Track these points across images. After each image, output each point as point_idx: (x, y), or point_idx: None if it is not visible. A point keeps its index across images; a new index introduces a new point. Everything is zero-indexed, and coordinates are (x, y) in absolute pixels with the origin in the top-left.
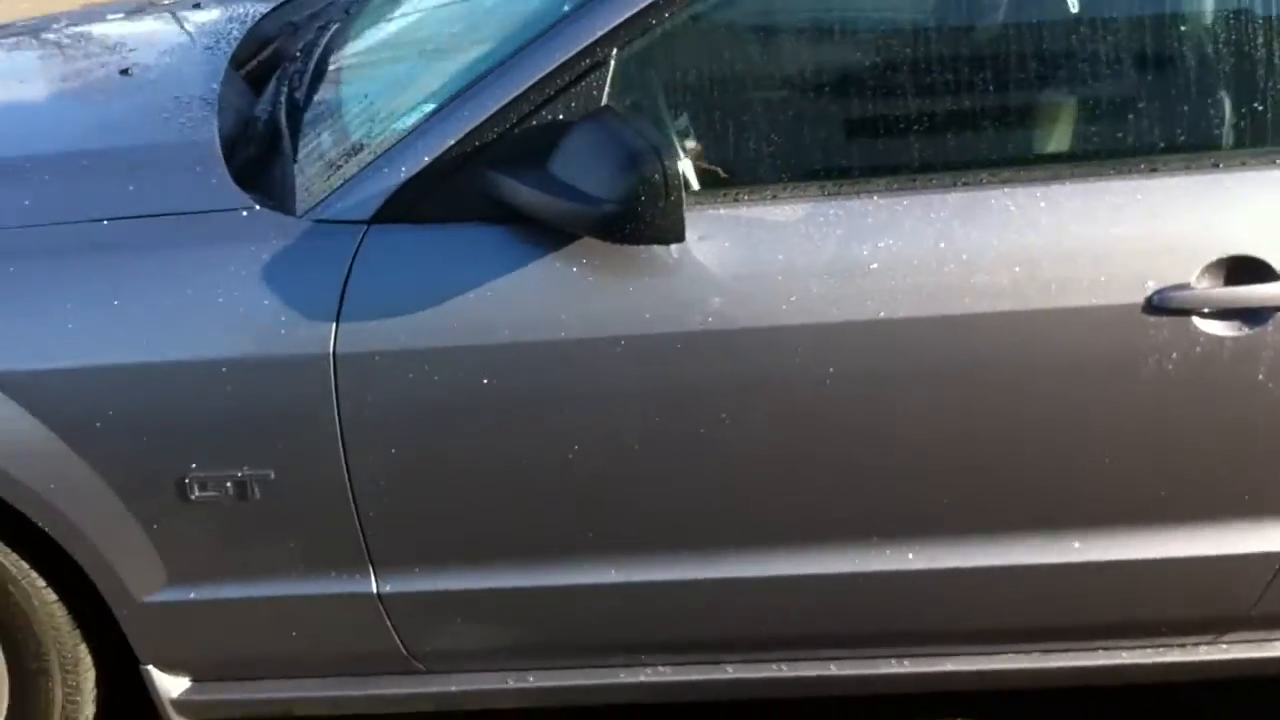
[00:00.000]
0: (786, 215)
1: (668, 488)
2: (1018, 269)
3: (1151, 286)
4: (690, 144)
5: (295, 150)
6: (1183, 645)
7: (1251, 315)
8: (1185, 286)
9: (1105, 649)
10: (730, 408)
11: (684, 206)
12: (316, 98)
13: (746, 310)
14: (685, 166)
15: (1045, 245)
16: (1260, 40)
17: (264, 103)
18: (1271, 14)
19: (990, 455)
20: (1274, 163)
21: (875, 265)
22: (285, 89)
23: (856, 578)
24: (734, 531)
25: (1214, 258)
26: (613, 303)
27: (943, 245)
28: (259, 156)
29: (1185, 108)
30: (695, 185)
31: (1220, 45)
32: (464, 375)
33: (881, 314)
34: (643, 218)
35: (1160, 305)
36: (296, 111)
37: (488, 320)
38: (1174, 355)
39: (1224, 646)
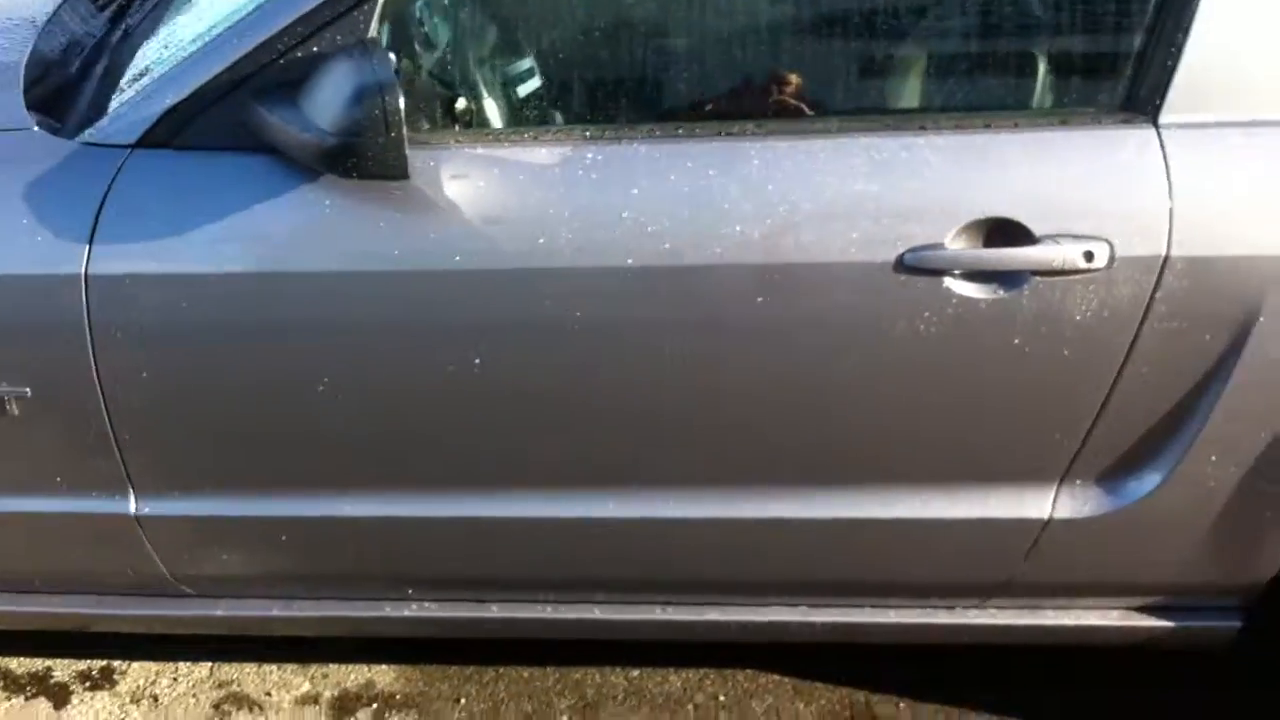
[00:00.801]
0: (545, 158)
1: (415, 424)
2: (770, 222)
3: (903, 246)
4: (451, 81)
5: (92, 77)
6: (950, 608)
7: (1007, 278)
8: (938, 246)
9: (873, 606)
10: (480, 349)
11: (406, 144)
12: (137, 27)
13: (496, 251)
14: (443, 104)
15: (801, 200)
16: (1033, 5)
17: (90, 31)
18: None
19: (742, 409)
20: (1041, 126)
21: (627, 213)
22: (118, 20)
23: (613, 523)
24: (487, 471)
25: (971, 219)
26: (362, 237)
27: (699, 196)
28: (66, 82)
29: (956, 67)
30: (456, 124)
31: (993, 7)
32: (212, 303)
33: (629, 261)
34: (363, 153)
35: (913, 265)
36: (111, 41)
37: (239, 249)
38: (926, 315)
39: (992, 611)
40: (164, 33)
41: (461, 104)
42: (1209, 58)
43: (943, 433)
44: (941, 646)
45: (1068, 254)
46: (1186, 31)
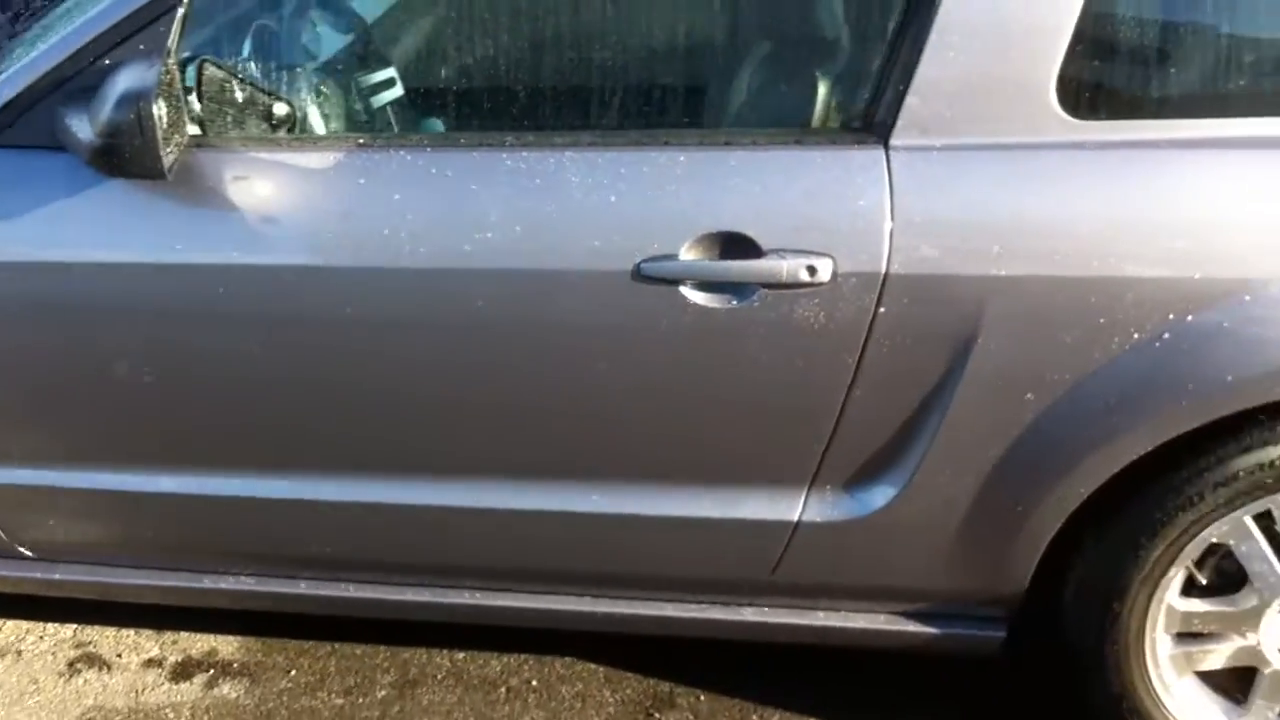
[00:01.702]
0: (320, 163)
1: (199, 408)
2: (518, 229)
3: (640, 255)
4: (242, 89)
5: None
6: (725, 604)
7: (737, 289)
8: (673, 257)
9: (649, 599)
10: (255, 338)
11: (161, 147)
12: (27, 29)
13: (270, 248)
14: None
15: (549, 209)
16: (771, 29)
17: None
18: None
19: (500, 406)
20: (777, 144)
21: (389, 217)
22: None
23: (395, 508)
24: (267, 455)
25: (704, 232)
26: (149, 230)
27: (455, 202)
28: None
29: (703, 86)
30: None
31: (735, 29)
32: (26, 288)
33: (388, 263)
34: (122, 153)
35: (650, 274)
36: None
37: (46, 239)
38: (665, 323)
39: (764, 610)
40: (33, 35)
41: (262, 110)
42: (940, 83)
43: (694, 435)
44: (746, 643)
45: (792, 268)
46: (919, 56)
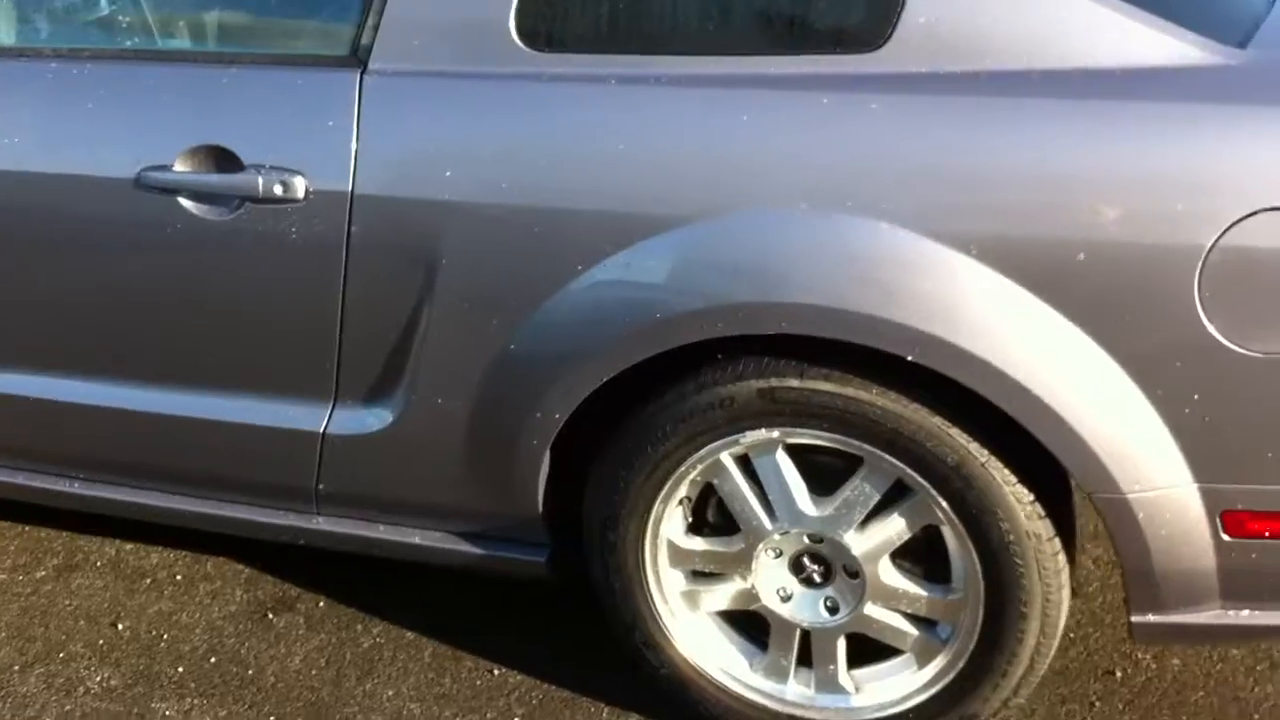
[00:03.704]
0: None
1: None
2: (44, 135)
3: (141, 164)
4: None
5: None
6: (299, 511)
7: (224, 201)
8: (167, 168)
9: (216, 500)
10: None
11: None
12: None
13: None
14: None
15: (71, 117)
16: None
17: None
18: None
19: (50, 301)
20: (269, 65)
21: None
22: None
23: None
24: None
25: (195, 144)
26: None
27: None
28: None
29: (206, 8)
30: None
31: None
32: None
33: None
34: None
35: (148, 183)
36: None
37: None
38: (168, 232)
39: (334, 519)
40: None
41: None
42: (411, 12)
43: (216, 343)
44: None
45: (268, 183)
46: None
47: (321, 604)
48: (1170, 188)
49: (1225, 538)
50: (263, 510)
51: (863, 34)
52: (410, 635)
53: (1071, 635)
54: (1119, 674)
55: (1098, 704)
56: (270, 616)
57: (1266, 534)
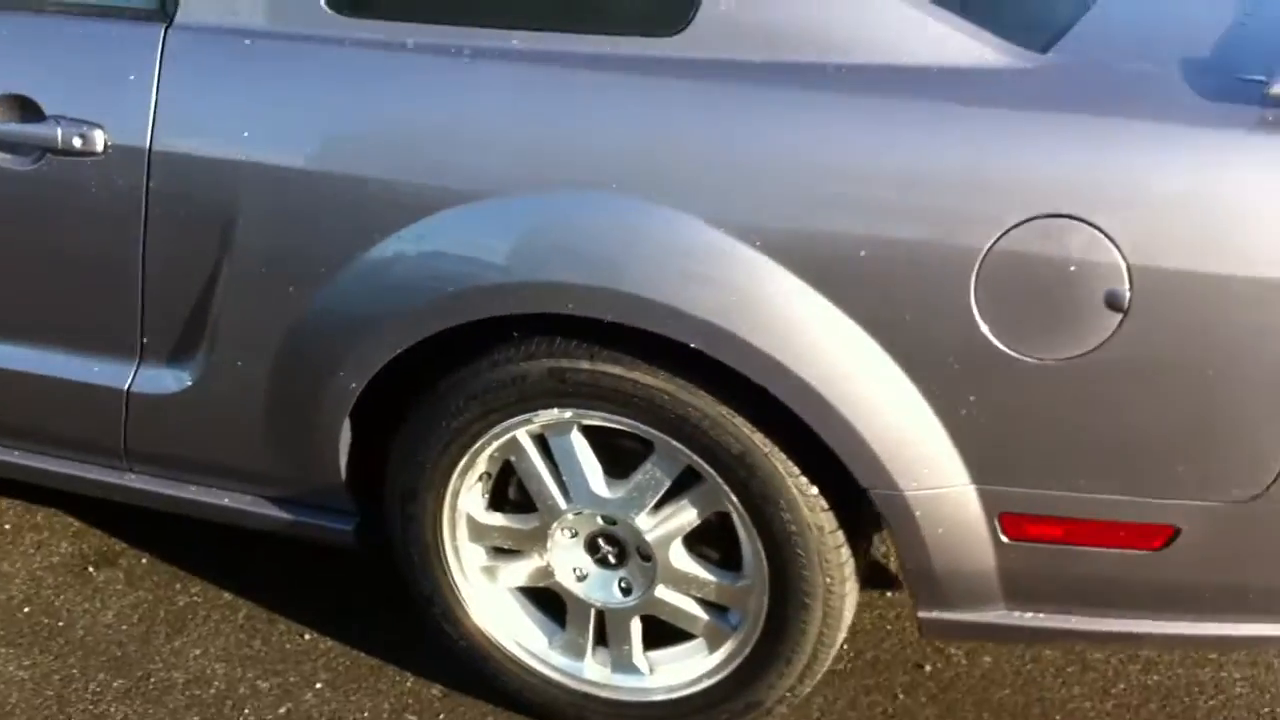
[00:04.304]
0: None
1: None
2: None
3: None
4: None
5: None
6: (113, 468)
7: (26, 151)
8: None
9: (34, 452)
10: None
11: None
12: None
13: None
14: None
15: None
16: None
17: None
18: None
19: None
20: (78, 15)
21: None
22: None
23: None
24: None
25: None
26: None
27: None
28: None
29: None
30: None
31: None
32: None
33: None
34: None
35: None
36: None
37: None
38: None
39: (146, 478)
40: None
41: None
42: None
43: (27, 294)
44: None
45: (67, 134)
46: None
47: (144, 560)
48: (951, 189)
49: (1005, 540)
50: (79, 465)
51: (664, 17)
52: (228, 596)
53: (889, 627)
54: (928, 668)
55: (902, 696)
56: (91, 570)
57: (1044, 538)
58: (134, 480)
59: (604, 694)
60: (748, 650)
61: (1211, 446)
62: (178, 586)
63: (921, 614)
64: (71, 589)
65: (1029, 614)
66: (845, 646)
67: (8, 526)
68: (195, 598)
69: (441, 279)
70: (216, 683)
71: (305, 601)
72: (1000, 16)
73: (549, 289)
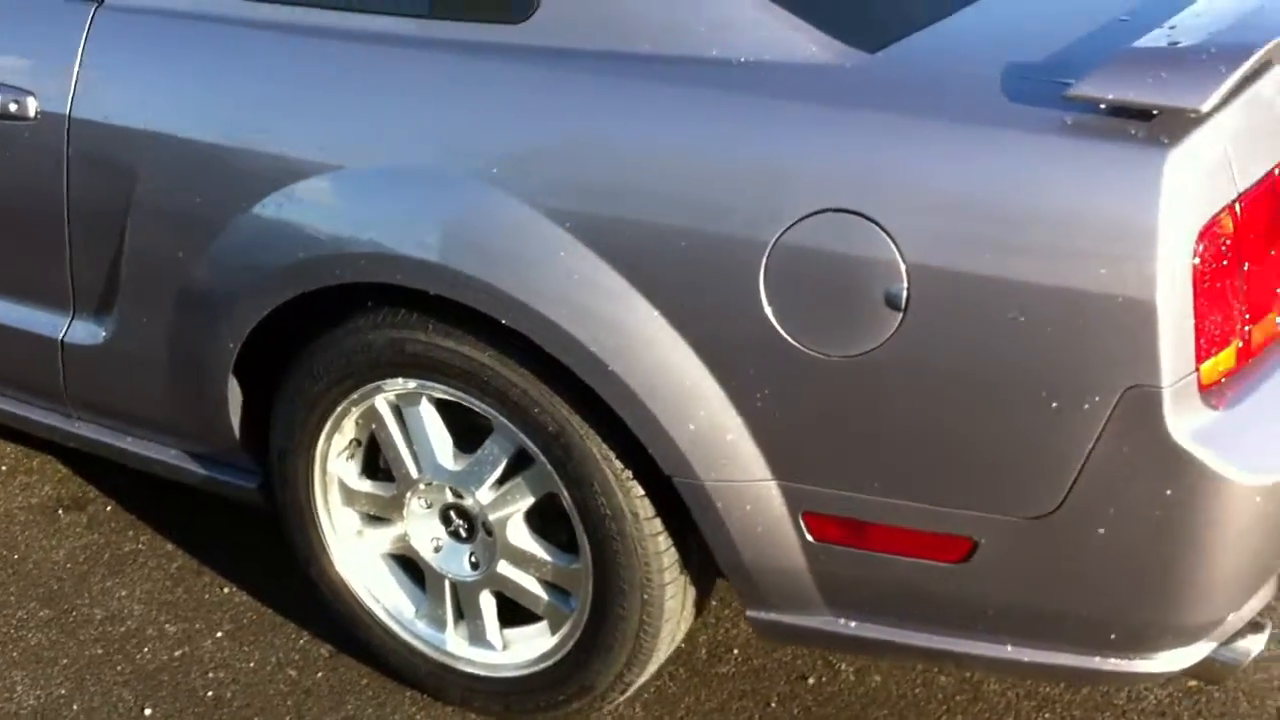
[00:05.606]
0: None
1: None
2: None
3: None
4: None
5: None
6: (62, 414)
7: None
8: None
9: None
10: None
11: None
12: None
13: None
14: None
15: None
16: None
17: None
18: None
19: None
20: None
21: None
22: None
23: None
24: None
25: None
26: None
27: None
28: None
29: None
30: None
31: None
32: None
33: None
34: None
35: None
36: None
37: None
38: None
39: (90, 425)
40: None
41: None
42: None
43: None
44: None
45: (3, 101)
46: None
47: (109, 508)
48: (745, 180)
49: (811, 540)
50: (33, 408)
51: (511, 5)
52: (170, 547)
53: None
54: (812, 680)
55: (774, 706)
56: (60, 512)
57: (846, 541)
58: (81, 428)
59: (460, 666)
60: (578, 634)
61: (999, 458)
62: (130, 534)
63: (749, 613)
64: (37, 526)
65: (854, 623)
66: (735, 650)
67: (4, 468)
68: (141, 545)
69: (292, 246)
70: (129, 622)
71: (239, 557)
72: (838, 16)
73: (379, 259)
